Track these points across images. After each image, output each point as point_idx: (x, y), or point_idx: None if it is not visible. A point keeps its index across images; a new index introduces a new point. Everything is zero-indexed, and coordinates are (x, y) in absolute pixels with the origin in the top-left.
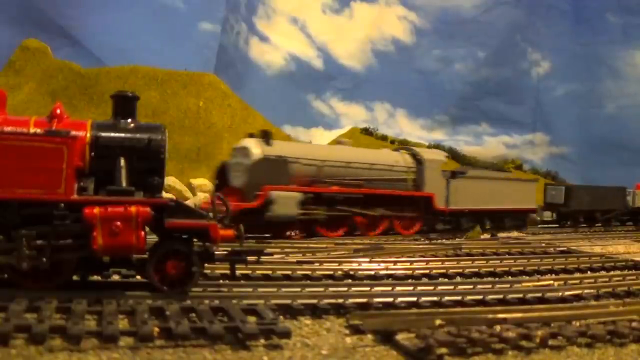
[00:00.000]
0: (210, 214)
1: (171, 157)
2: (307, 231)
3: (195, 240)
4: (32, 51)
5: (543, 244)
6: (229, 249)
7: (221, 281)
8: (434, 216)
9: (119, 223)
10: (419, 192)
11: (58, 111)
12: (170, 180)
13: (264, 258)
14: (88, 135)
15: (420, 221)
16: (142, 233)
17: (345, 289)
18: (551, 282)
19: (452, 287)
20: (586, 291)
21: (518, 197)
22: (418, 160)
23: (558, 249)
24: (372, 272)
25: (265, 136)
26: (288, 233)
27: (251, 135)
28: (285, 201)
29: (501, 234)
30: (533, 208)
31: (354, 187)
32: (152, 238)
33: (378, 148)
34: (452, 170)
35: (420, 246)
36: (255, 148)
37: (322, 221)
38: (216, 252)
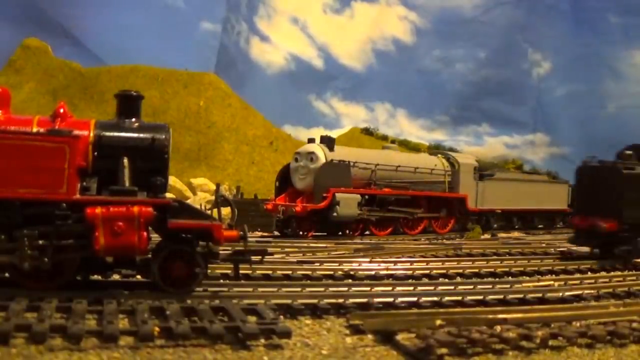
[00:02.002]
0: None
1: (171, 156)
2: (361, 231)
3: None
4: (32, 50)
5: (543, 244)
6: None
7: (221, 281)
8: (465, 216)
9: (121, 223)
10: (455, 193)
11: (61, 110)
12: (170, 179)
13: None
14: (91, 134)
15: (453, 220)
16: (145, 233)
17: (346, 289)
18: (551, 282)
19: (452, 287)
20: (586, 292)
21: (548, 198)
22: (452, 164)
23: (558, 249)
24: (373, 272)
25: (329, 141)
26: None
27: (311, 140)
28: (348, 202)
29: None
30: (564, 209)
31: (402, 189)
32: (156, 238)
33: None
34: (480, 172)
35: (421, 246)
36: (321, 152)
37: (374, 221)
38: (220, 252)
